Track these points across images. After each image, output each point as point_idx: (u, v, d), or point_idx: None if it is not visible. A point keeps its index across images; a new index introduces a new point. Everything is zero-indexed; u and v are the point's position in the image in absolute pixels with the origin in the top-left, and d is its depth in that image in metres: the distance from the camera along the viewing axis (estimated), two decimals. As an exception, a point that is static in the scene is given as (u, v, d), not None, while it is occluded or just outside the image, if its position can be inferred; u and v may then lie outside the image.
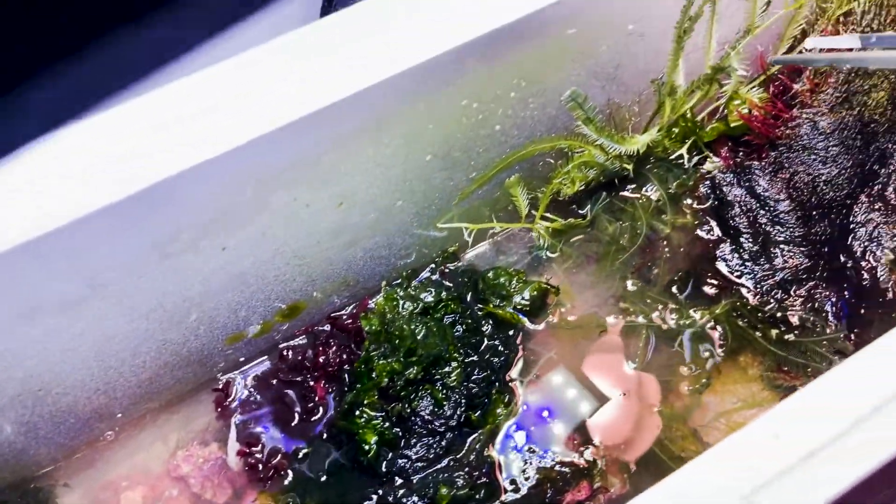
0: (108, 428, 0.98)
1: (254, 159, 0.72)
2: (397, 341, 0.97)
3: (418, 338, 0.97)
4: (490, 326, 1.06)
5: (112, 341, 0.84)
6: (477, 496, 0.95)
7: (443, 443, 0.97)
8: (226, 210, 0.76)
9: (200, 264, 0.81)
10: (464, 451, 0.98)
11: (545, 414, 1.01)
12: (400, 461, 0.97)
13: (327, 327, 1.06)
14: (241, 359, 1.02)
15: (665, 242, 1.11)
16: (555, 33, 0.83)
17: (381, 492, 0.95)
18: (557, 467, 0.97)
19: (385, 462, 0.96)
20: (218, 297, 0.88)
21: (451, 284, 1.09)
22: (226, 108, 0.72)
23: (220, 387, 1.02)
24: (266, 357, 1.04)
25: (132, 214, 0.69)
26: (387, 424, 0.97)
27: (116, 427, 0.99)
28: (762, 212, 1.08)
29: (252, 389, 1.02)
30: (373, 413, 0.97)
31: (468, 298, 1.08)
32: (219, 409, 1.02)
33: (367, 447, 0.95)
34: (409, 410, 0.97)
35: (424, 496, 0.94)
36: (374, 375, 0.96)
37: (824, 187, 1.08)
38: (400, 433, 0.97)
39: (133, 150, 0.70)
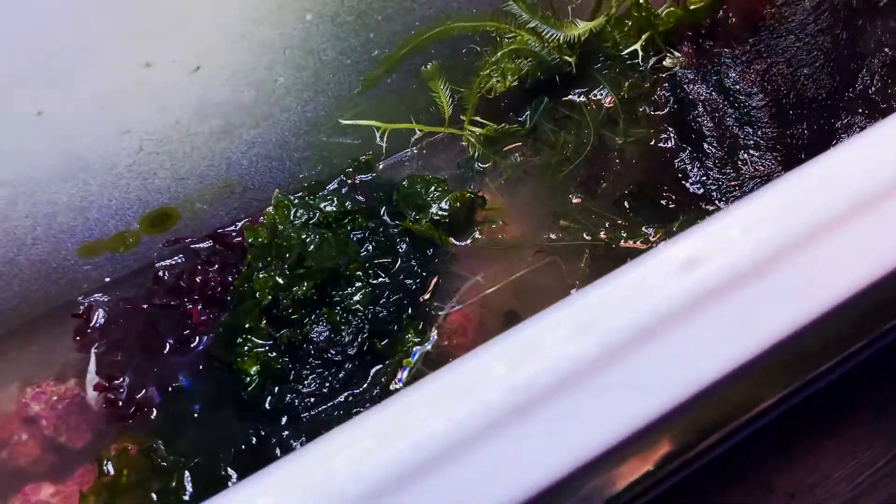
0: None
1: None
2: (286, 253, 0.81)
3: (309, 248, 0.80)
4: (406, 245, 0.89)
5: None
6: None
7: (340, 375, 0.81)
8: (28, 55, 0.60)
9: (11, 131, 0.64)
10: (365, 385, 0.82)
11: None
12: (288, 396, 0.80)
13: (211, 245, 0.89)
14: (106, 279, 0.86)
15: (616, 154, 0.94)
16: None
17: (263, 432, 0.79)
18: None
19: (270, 397, 0.80)
20: (50, 187, 0.72)
21: (362, 199, 0.93)
22: None
23: (81, 311, 0.85)
24: (137, 278, 0.88)
25: None
26: (273, 354, 0.80)
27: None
28: (730, 110, 0.91)
29: (118, 315, 0.86)
30: (256, 340, 0.81)
31: (382, 214, 0.91)
32: (78, 339, 0.85)
33: (247, 379, 0.79)
34: (300, 337, 0.80)
35: (314, 437, 0.77)
36: (256, 295, 0.80)
37: (806, 82, 0.91)
38: (289, 363, 0.80)
39: None
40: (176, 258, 0.90)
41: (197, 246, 0.89)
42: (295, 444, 0.78)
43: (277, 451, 0.77)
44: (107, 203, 0.76)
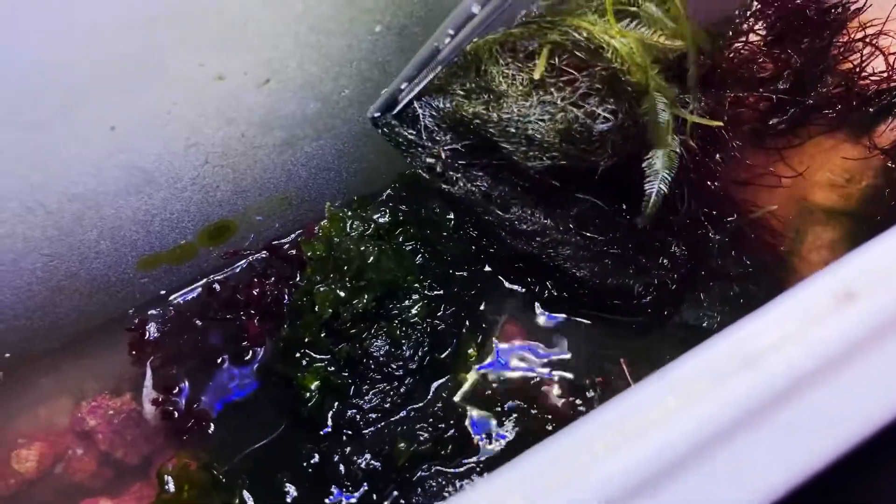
0: (-5, 371, 0.81)
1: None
2: (344, 266, 0.80)
3: (368, 260, 0.79)
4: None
5: (-22, 248, 0.67)
6: (443, 452, 0.77)
7: (401, 390, 0.79)
8: (105, 69, 0.59)
9: (82, 146, 0.63)
10: (427, 400, 0.81)
11: (525, 357, 0.83)
12: (349, 412, 0.79)
13: (266, 257, 0.88)
14: (162, 291, 0.85)
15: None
16: None
17: (324, 448, 0.77)
18: (540, 417, 0.79)
19: (331, 413, 0.79)
20: (118, 200, 0.71)
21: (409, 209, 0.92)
22: None
23: (136, 325, 0.84)
24: (192, 290, 0.87)
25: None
26: (332, 368, 0.79)
27: (2, 370, 0.81)
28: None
29: (174, 328, 0.85)
30: (316, 355, 0.80)
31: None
32: (134, 353, 0.84)
33: (307, 395, 0.78)
34: (360, 351, 0.79)
35: (379, 453, 0.76)
36: (315, 308, 0.79)
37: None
38: (349, 379, 0.79)
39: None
40: (228, 270, 0.89)
41: (252, 258, 0.89)
42: (358, 459, 0.77)
43: (341, 468, 0.76)
44: (168, 216, 0.76)
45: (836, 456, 0.32)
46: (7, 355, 0.79)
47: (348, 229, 0.84)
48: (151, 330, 0.85)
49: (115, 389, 0.84)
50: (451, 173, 0.76)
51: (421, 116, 0.75)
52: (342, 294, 0.78)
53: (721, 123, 0.74)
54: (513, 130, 0.71)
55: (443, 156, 0.76)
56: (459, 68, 0.74)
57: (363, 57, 0.73)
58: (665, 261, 0.81)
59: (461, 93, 0.74)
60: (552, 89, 0.69)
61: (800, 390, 0.34)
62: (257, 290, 0.84)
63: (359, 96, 0.76)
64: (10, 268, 0.69)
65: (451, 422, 0.79)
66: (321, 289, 0.79)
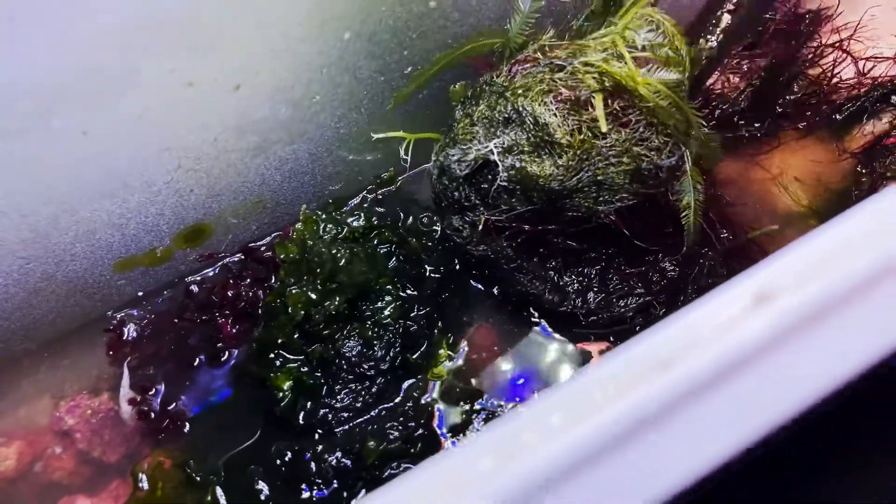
0: (-26, 371, 0.82)
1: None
2: (317, 269, 0.81)
3: (340, 263, 0.81)
4: (433, 258, 0.90)
5: (-46, 252, 0.68)
6: (412, 450, 0.78)
7: (373, 389, 0.81)
8: (78, 75, 0.61)
9: (58, 152, 0.65)
10: (398, 400, 0.82)
11: (502, 363, 0.84)
12: (322, 411, 0.80)
13: (241, 259, 0.90)
14: (139, 293, 0.86)
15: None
16: None
17: (297, 447, 0.79)
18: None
19: (303, 412, 0.80)
20: (93, 204, 0.72)
21: (385, 211, 0.94)
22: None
23: (113, 326, 0.86)
24: (169, 292, 0.88)
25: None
26: (305, 369, 0.81)
27: (-16, 371, 0.83)
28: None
29: (150, 329, 0.86)
30: (289, 355, 0.81)
31: (400, 228, 0.92)
32: (111, 353, 0.86)
33: (280, 395, 0.79)
34: (332, 352, 0.81)
35: (349, 451, 0.78)
36: (288, 310, 0.80)
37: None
38: (322, 379, 0.81)
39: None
40: (205, 272, 0.90)
41: (228, 260, 0.90)
42: (329, 457, 0.79)
43: (312, 466, 0.78)
44: (143, 220, 0.77)
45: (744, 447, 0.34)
46: (-15, 356, 0.80)
47: (321, 232, 0.85)
48: (129, 331, 0.87)
49: (93, 389, 0.85)
50: (475, 241, 0.77)
51: (498, 177, 0.72)
52: (314, 296, 0.80)
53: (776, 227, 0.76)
54: (584, 181, 0.71)
55: (479, 225, 0.75)
56: (514, 123, 0.73)
57: (333, 63, 0.74)
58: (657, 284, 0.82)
59: (528, 148, 0.71)
60: (612, 133, 0.70)
61: (715, 386, 0.35)
62: (232, 291, 0.85)
63: (331, 101, 0.78)
64: (-14, 270, 0.71)
65: (422, 421, 0.81)
66: (293, 290, 0.80)
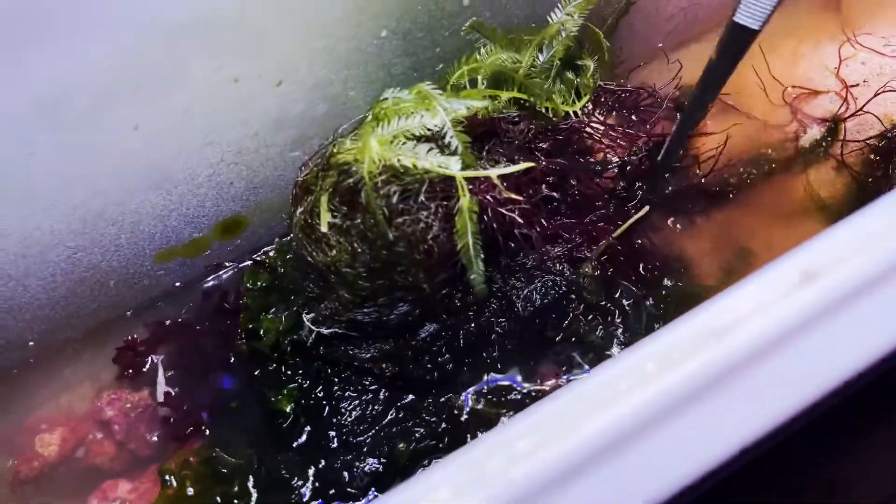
0: (20, 359, 0.85)
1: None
2: (291, 296, 0.82)
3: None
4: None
5: (8, 240, 0.71)
6: (440, 445, 0.80)
7: (380, 397, 0.82)
8: (132, 71, 0.63)
9: (108, 145, 0.68)
10: (412, 398, 0.83)
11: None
12: (332, 431, 0.81)
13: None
14: (177, 283, 0.89)
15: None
16: None
17: (322, 464, 0.80)
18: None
19: (314, 432, 0.81)
20: (138, 196, 0.75)
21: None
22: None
23: (147, 324, 0.88)
24: (204, 282, 0.91)
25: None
26: (307, 385, 0.81)
27: (31, 359, 0.85)
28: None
29: (179, 330, 0.89)
30: (288, 372, 0.82)
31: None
32: (148, 346, 0.88)
33: (282, 420, 0.80)
34: (329, 370, 0.82)
35: (380, 455, 0.79)
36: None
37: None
38: (324, 400, 0.81)
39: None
40: (230, 267, 0.92)
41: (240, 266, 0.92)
42: (363, 465, 0.79)
43: (345, 475, 0.78)
44: (185, 211, 0.80)
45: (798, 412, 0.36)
46: (31, 343, 0.83)
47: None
48: (159, 329, 0.89)
49: (134, 383, 0.88)
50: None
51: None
52: (284, 323, 0.81)
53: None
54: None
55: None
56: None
57: (369, 60, 0.77)
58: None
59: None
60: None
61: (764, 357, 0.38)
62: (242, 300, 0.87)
63: (365, 97, 0.81)
64: (37, 259, 0.74)
65: (443, 415, 0.82)
66: (269, 316, 0.81)
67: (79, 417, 0.88)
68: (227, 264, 0.89)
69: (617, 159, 0.92)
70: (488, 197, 0.72)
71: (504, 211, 0.72)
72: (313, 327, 0.79)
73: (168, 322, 0.89)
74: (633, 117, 0.97)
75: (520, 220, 0.73)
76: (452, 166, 0.68)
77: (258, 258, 0.90)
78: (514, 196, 0.72)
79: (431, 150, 0.69)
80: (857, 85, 1.05)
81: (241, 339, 0.84)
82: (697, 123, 0.84)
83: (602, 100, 0.96)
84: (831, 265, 0.39)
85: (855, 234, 0.41)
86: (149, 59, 0.64)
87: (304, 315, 0.80)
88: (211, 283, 0.91)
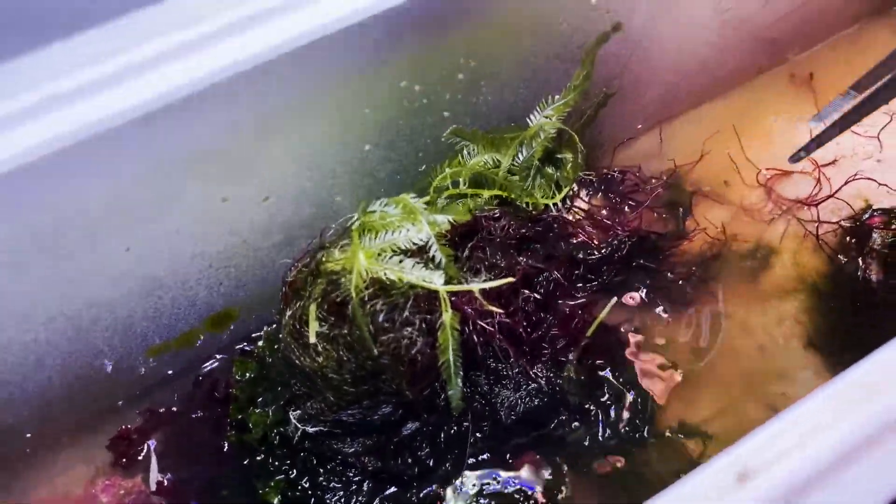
0: (19, 448, 0.87)
1: (151, 142, 0.62)
2: (278, 387, 0.85)
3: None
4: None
5: (7, 352, 0.74)
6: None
7: (364, 489, 0.84)
8: (123, 203, 0.66)
9: (102, 266, 0.71)
10: (396, 490, 0.86)
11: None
12: None
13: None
14: (169, 371, 0.92)
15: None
16: (505, 5, 0.73)
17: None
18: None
19: None
20: (131, 304, 0.78)
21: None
22: (112, 71, 0.62)
23: (141, 412, 0.91)
24: (196, 371, 0.94)
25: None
26: (293, 475, 0.84)
27: (28, 448, 0.88)
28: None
29: (170, 417, 0.92)
30: (275, 462, 0.85)
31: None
32: (142, 434, 0.91)
33: None
34: (314, 461, 0.85)
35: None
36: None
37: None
38: (309, 490, 0.84)
39: None
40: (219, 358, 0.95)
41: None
42: None
43: None
44: (176, 311, 0.83)
45: None
46: (28, 436, 0.86)
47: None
48: (152, 417, 0.92)
49: (127, 470, 0.91)
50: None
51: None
52: (272, 417, 0.83)
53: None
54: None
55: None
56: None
57: (355, 169, 0.80)
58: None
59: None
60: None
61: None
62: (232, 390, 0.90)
63: (351, 200, 0.84)
64: (33, 366, 0.77)
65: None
66: (257, 411, 0.84)
67: (73, 500, 0.91)
68: (216, 356, 0.92)
69: (597, 243, 0.96)
70: (469, 310, 0.75)
71: (484, 325, 0.75)
72: (299, 425, 0.82)
73: (162, 410, 0.92)
74: (618, 200, 1.01)
75: (499, 335, 0.76)
76: (436, 281, 0.71)
77: (247, 348, 0.93)
78: (494, 309, 0.76)
79: (417, 264, 0.72)
80: (830, 164, 1.08)
81: (230, 429, 0.87)
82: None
83: (587, 181, 1.00)
84: (767, 464, 0.42)
85: (795, 428, 0.44)
86: (145, 191, 0.67)
87: (290, 412, 0.83)
88: (204, 370, 0.94)
